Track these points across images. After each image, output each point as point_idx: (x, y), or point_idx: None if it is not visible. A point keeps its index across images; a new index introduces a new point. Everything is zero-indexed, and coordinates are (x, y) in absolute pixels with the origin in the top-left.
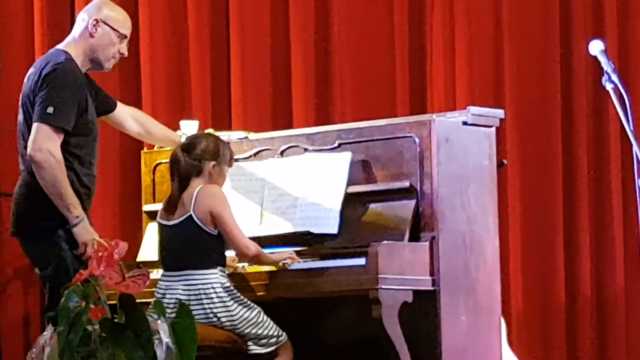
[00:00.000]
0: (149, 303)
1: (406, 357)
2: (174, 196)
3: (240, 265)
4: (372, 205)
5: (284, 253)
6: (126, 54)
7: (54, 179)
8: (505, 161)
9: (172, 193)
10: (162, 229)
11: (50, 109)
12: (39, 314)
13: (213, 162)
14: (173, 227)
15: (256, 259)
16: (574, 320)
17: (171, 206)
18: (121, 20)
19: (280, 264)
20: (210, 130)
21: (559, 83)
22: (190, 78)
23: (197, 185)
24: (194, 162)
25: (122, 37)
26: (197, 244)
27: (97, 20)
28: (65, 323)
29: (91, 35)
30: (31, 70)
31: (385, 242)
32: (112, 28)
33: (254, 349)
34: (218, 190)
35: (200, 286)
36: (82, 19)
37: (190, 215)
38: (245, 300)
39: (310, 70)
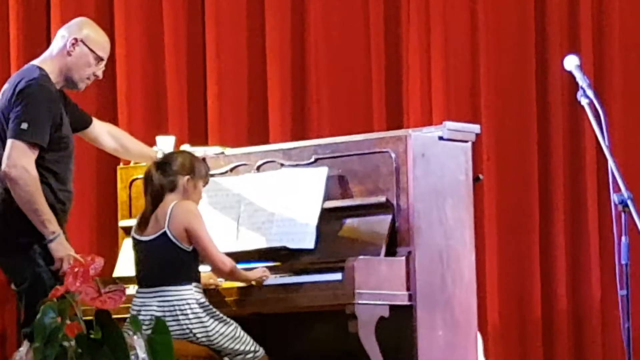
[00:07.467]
0: (125, 319)
1: None
2: (146, 213)
3: (220, 280)
4: (349, 220)
5: (257, 271)
6: (101, 76)
7: (29, 195)
8: (481, 176)
9: (144, 210)
10: (137, 244)
11: (24, 125)
12: (15, 329)
13: (187, 177)
14: (147, 243)
15: (231, 276)
16: (550, 335)
17: (144, 223)
18: (101, 42)
19: (254, 282)
20: (186, 146)
21: (535, 98)
22: (166, 93)
23: (171, 201)
24: (167, 179)
25: (99, 59)
26: (171, 260)
27: (76, 39)
28: (41, 339)
29: (69, 54)
30: (5, 86)
31: (361, 257)
32: (90, 49)
33: None
34: (193, 206)
35: (175, 302)
36: (62, 36)
37: (165, 232)
38: (221, 315)
39: (287, 85)
